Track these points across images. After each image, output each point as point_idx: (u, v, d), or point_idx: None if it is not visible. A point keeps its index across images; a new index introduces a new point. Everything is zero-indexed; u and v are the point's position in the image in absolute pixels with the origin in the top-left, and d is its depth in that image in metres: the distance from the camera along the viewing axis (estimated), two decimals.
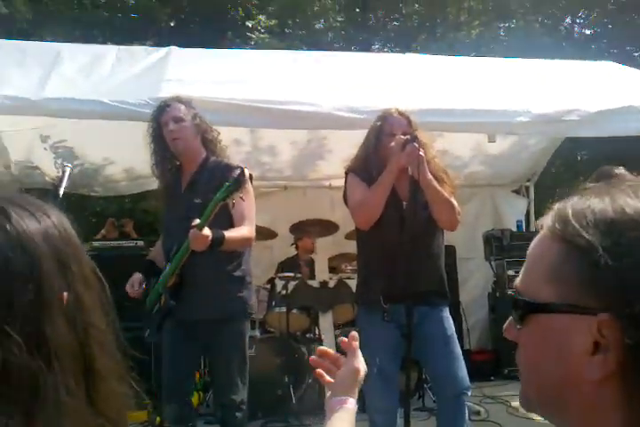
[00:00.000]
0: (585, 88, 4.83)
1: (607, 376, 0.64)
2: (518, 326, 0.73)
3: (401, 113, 3.13)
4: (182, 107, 3.10)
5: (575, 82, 4.98)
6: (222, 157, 3.19)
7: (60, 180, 2.76)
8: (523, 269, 0.75)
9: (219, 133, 3.24)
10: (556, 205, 0.73)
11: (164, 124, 3.07)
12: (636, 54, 11.97)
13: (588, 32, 13.17)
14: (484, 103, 4.35)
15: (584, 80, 5.04)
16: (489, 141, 4.62)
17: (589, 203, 0.70)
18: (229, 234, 2.87)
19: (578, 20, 12.72)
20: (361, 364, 1.35)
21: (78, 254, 0.90)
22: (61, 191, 2.76)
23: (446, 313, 3.12)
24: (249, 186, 2.91)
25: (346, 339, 1.37)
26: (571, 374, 0.67)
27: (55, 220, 0.89)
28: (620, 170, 4.13)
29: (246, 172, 2.68)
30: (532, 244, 0.75)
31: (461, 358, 3.05)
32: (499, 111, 4.28)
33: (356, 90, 4.34)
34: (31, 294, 0.80)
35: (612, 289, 0.64)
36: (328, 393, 1.35)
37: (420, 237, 2.97)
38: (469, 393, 3.07)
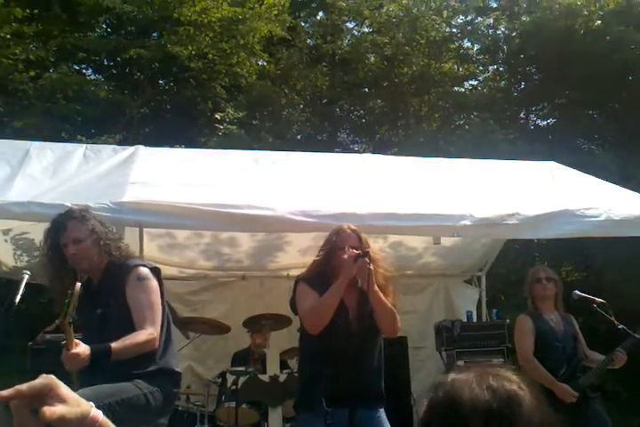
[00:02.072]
0: (525, 191, 5.09)
1: None
2: None
3: (353, 230, 3.39)
4: (79, 225, 3.03)
5: (517, 184, 5.24)
6: (126, 257, 3.10)
7: (17, 288, 2.82)
8: None
9: (115, 233, 3.19)
10: None
11: (63, 245, 3.01)
12: (585, 147, 12.59)
13: (542, 124, 13.93)
14: (430, 207, 4.54)
15: (525, 182, 5.31)
16: (434, 243, 4.86)
17: None
18: (118, 345, 2.72)
19: (531, 115, 13.43)
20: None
21: None
22: (17, 299, 2.81)
23: (384, 415, 3.29)
24: (153, 282, 2.92)
25: None
26: None
27: None
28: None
29: (78, 287, 2.40)
30: None
31: None
32: (443, 215, 4.45)
33: (309, 193, 4.58)
34: None
35: None
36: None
37: (364, 343, 3.19)
38: None
